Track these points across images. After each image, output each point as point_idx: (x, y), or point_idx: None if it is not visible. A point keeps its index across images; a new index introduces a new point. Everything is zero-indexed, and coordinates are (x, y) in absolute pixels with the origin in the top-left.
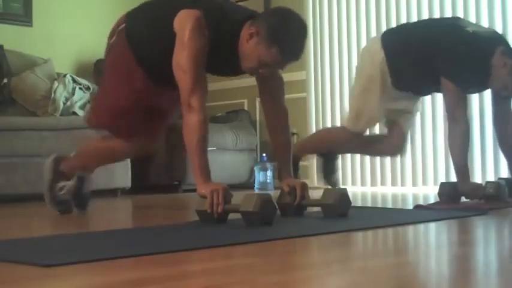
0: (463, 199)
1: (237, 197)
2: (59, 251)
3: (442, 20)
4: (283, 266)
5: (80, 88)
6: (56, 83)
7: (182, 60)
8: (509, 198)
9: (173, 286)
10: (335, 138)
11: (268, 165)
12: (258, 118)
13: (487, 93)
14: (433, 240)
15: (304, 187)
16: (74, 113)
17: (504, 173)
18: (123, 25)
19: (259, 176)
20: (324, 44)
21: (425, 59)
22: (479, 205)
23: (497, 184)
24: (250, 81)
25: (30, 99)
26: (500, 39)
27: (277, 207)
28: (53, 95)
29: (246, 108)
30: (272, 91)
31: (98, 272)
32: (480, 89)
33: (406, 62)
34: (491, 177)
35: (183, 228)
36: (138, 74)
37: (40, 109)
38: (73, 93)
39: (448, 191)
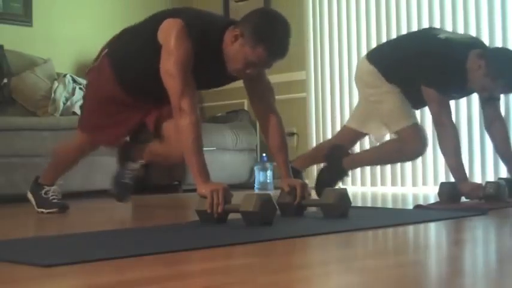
0: (463, 199)
1: (237, 197)
2: (58, 251)
3: (414, 34)
4: (283, 266)
5: (80, 88)
6: (56, 83)
7: (169, 66)
8: (509, 198)
9: (173, 286)
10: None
11: (268, 165)
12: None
13: None
14: (433, 240)
15: (305, 187)
16: (74, 113)
17: (504, 173)
18: (106, 50)
19: (259, 176)
20: (324, 44)
21: (408, 75)
22: (479, 205)
23: (497, 184)
24: None
25: (30, 99)
26: (475, 43)
27: (277, 207)
28: (53, 95)
29: (246, 108)
30: (261, 95)
31: (98, 272)
32: (462, 93)
33: (396, 72)
34: (491, 177)
35: (183, 228)
36: (117, 93)
37: (40, 109)
38: (73, 93)
39: (448, 191)
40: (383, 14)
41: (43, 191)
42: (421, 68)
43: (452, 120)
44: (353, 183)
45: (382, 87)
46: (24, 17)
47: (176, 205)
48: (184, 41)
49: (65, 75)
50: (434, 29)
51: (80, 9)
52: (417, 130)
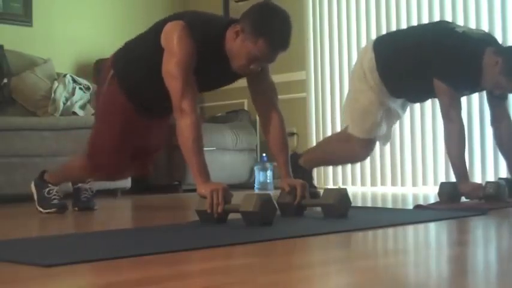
0: (463, 199)
1: (237, 197)
2: (59, 251)
3: (431, 24)
4: (283, 266)
5: (80, 88)
6: (56, 83)
7: (171, 66)
8: (509, 198)
9: (173, 286)
10: (343, 150)
11: (268, 165)
12: (258, 118)
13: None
14: (433, 241)
15: (305, 187)
16: (74, 113)
17: (504, 173)
18: (112, 71)
19: (259, 176)
20: (324, 43)
21: (417, 64)
22: (479, 205)
23: (497, 184)
24: None
25: (30, 99)
26: (490, 39)
27: (277, 207)
28: (53, 95)
29: (246, 108)
30: (264, 93)
31: (98, 272)
32: (473, 89)
33: (397, 68)
34: (491, 177)
35: (183, 228)
36: (130, 113)
37: (40, 109)
38: (73, 93)
39: (448, 191)
40: (383, 13)
41: (46, 190)
42: (435, 60)
43: (461, 117)
44: (353, 183)
45: (368, 83)
46: (24, 17)
47: (176, 205)
48: (186, 41)
49: (65, 75)
50: (450, 22)
51: (80, 8)
52: (365, 145)
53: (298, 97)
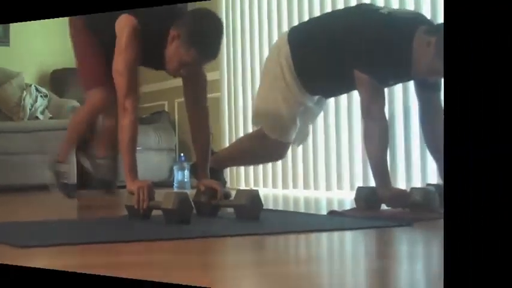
0: (384, 207)
1: (158, 195)
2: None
3: (351, 8)
4: (197, 265)
5: (41, 96)
6: (24, 92)
7: (118, 65)
8: (441, 209)
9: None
10: (255, 150)
11: (185, 164)
12: (177, 119)
13: (412, 86)
14: (348, 251)
15: (221, 187)
16: (37, 118)
17: (433, 179)
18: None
19: (177, 175)
20: (237, 43)
21: (335, 54)
22: (403, 214)
23: (425, 191)
24: (170, 83)
25: (8, 106)
26: (422, 18)
27: (193, 205)
28: (22, 102)
29: (166, 109)
30: (195, 91)
31: (40, 257)
32: (400, 79)
33: (314, 60)
34: (417, 183)
35: (112, 221)
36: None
37: (15, 115)
38: (36, 101)
39: (366, 197)
40: (295, 13)
41: (57, 167)
42: (357, 48)
43: (384, 114)
44: (265, 185)
45: (284, 81)
46: (3, 38)
47: (109, 200)
48: (133, 41)
49: (30, 85)
50: (371, 4)
51: (42, 27)
52: (279, 146)
53: (211, 97)
